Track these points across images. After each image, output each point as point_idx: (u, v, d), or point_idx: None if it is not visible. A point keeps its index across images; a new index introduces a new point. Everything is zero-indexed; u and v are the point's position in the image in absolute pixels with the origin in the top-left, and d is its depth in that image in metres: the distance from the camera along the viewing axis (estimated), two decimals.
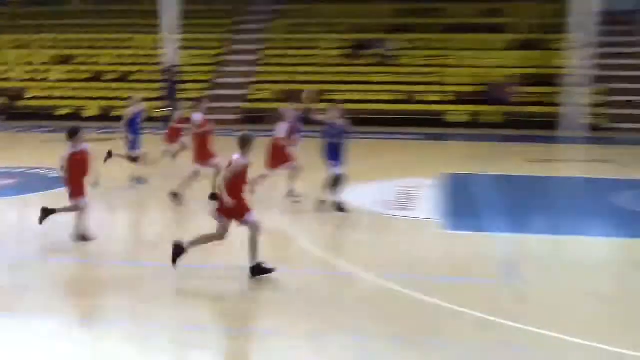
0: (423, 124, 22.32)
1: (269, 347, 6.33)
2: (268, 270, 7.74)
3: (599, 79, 23.33)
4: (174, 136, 13.95)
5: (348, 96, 24.13)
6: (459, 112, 23.25)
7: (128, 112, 13.04)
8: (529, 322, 6.55)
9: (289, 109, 11.69)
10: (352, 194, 11.67)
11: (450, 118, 23.04)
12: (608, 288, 7.98)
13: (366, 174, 13.65)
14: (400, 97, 24.22)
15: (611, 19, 25.47)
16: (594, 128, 21.82)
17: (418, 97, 24.14)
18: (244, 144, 7.77)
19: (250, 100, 25.23)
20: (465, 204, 11.80)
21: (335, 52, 26.71)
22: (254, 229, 7.72)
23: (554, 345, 6.21)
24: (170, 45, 23.83)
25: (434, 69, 25.33)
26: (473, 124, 22.55)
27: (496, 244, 9.57)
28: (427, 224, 10.59)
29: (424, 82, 24.79)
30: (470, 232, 10.26)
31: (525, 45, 25.84)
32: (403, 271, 8.36)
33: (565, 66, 23.47)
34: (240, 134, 7.94)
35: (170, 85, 23.61)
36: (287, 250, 9.50)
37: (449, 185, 13.03)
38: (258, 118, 22.74)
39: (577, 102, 21.58)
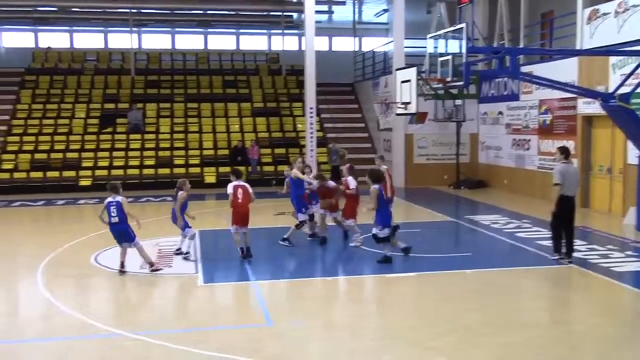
0: (175, 186, 22.12)
1: None
2: None
3: (329, 139, 25.34)
4: None
5: (101, 163, 23.53)
6: (211, 174, 23.54)
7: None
8: None
9: None
10: (115, 256, 11.17)
11: (207, 179, 23.21)
12: (353, 321, 8.45)
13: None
14: (150, 163, 23.94)
15: (335, 90, 28.32)
16: None
17: (168, 162, 24.03)
18: None
19: (4, 171, 22.98)
20: (222, 257, 11.82)
21: (88, 121, 25.70)
22: None
23: None
24: None
25: (180, 135, 25.51)
26: (222, 183, 22.82)
27: (253, 291, 9.72)
28: (185, 279, 10.42)
29: (173, 148, 24.84)
30: (227, 283, 10.43)
31: (266, 112, 27.21)
32: (168, 326, 8.11)
33: (301, 130, 25.28)
34: None
35: None
36: (50, 317, 8.65)
37: (206, 241, 12.99)
38: (12, 189, 21.63)
39: (313, 160, 22.95)
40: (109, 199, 10.31)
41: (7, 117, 25.42)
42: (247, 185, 11.21)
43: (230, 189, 11.07)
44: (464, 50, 13.70)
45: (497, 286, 9.81)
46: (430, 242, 13.39)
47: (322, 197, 12.66)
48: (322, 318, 8.49)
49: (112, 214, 10.20)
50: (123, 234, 10.32)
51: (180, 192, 11.29)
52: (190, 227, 11.43)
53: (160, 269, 10.50)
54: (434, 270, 10.72)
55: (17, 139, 24.38)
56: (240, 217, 11.11)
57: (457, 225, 15.65)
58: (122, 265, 10.46)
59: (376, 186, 10.88)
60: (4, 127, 24.91)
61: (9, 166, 23.11)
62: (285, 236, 12.55)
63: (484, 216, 16.23)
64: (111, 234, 10.50)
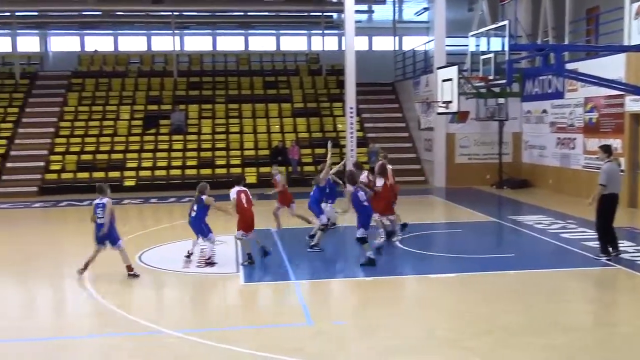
0: (216, 186, 22.40)
1: None
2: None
3: (370, 139, 25.28)
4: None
5: (145, 164, 23.97)
6: (252, 174, 23.71)
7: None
8: (326, 359, 6.74)
9: None
10: (157, 255, 11.44)
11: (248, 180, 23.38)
12: (393, 321, 8.43)
13: (167, 235, 13.38)
14: (192, 163, 24.30)
15: (375, 90, 28.24)
16: None
17: (210, 162, 24.35)
18: None
19: (52, 171, 23.67)
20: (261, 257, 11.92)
21: (132, 123, 26.23)
22: None
23: None
24: None
25: (222, 135, 25.82)
26: (262, 183, 23.00)
27: (293, 290, 9.78)
28: (227, 278, 10.56)
29: (215, 148, 25.15)
30: (268, 282, 10.53)
31: (306, 113, 27.33)
32: (210, 325, 8.25)
33: (341, 130, 25.30)
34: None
35: None
36: (96, 315, 8.89)
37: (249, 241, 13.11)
38: (59, 189, 22.43)
39: (354, 160, 22.94)
40: (97, 200, 10.51)
41: (54, 119, 26.13)
42: (247, 190, 11.22)
43: (233, 194, 11.01)
44: (506, 48, 13.56)
45: (539, 287, 9.66)
46: (472, 243, 13.27)
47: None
48: (362, 318, 8.51)
49: (99, 215, 10.37)
50: (107, 235, 10.40)
51: (204, 197, 11.12)
52: (212, 232, 11.37)
53: (138, 275, 10.38)
54: (475, 271, 10.61)
55: (64, 140, 25.04)
56: (248, 223, 11.06)
57: (499, 226, 15.47)
58: (84, 268, 10.45)
59: (351, 189, 11.00)
60: (51, 129, 25.60)
61: (57, 167, 23.78)
62: (312, 243, 12.35)
63: (528, 216, 15.99)
64: (95, 234, 10.48)
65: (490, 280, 10.12)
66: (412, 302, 9.53)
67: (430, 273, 10.67)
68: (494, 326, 7.84)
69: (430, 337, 7.57)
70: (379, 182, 12.48)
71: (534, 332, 7.62)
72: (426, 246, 12.80)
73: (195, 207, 11.21)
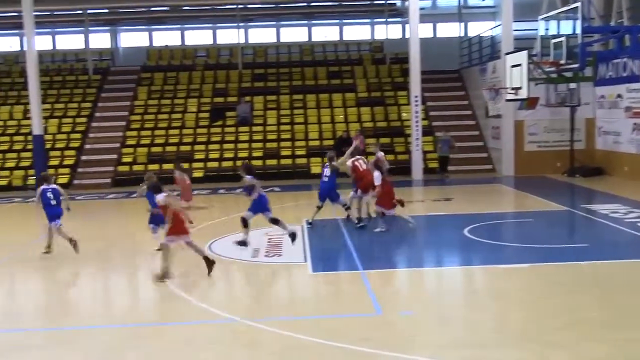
0: (282, 177, 22.70)
1: None
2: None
3: (433, 129, 24.96)
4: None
5: (212, 155, 24.40)
6: (317, 164, 23.79)
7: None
8: (394, 349, 6.70)
9: None
10: (226, 245, 11.62)
11: (313, 170, 23.52)
12: (464, 313, 8.29)
13: (236, 225, 13.53)
14: (258, 154, 24.52)
15: (440, 77, 27.79)
16: (427, 171, 23.15)
17: (276, 153, 24.54)
18: None
19: (124, 164, 24.45)
20: (329, 246, 11.95)
21: (200, 115, 26.74)
22: None
23: None
24: (36, 115, 22.69)
25: (287, 126, 25.97)
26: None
27: (361, 280, 9.75)
28: (295, 268, 10.63)
29: (280, 139, 25.30)
30: (336, 272, 10.54)
31: (370, 102, 27.18)
32: (279, 313, 8.32)
33: (406, 119, 25.07)
34: None
35: None
36: (167, 303, 9.12)
37: (315, 230, 13.17)
38: (131, 180, 22.74)
39: (419, 149, 22.71)
40: (44, 187, 11.72)
41: (125, 113, 26.92)
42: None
43: (164, 200, 9.89)
44: (578, 31, 13.14)
45: (616, 279, 9.30)
46: (544, 233, 12.89)
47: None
48: (432, 308, 8.40)
49: (51, 198, 11.61)
50: (60, 215, 11.68)
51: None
52: None
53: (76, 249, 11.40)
54: (548, 262, 10.31)
55: (135, 133, 25.77)
56: (183, 226, 10.03)
57: (572, 215, 14.98)
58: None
59: (248, 177, 11.16)
60: (123, 123, 26.39)
61: (129, 159, 24.50)
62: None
63: (602, 205, 15.41)
64: (49, 215, 11.63)
65: (564, 271, 9.81)
66: (482, 293, 9.34)
67: (500, 263, 10.42)
68: (572, 319, 7.58)
69: (505, 330, 7.40)
70: (376, 177, 12.49)
71: (612, 325, 7.33)
72: (496, 236, 12.54)
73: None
